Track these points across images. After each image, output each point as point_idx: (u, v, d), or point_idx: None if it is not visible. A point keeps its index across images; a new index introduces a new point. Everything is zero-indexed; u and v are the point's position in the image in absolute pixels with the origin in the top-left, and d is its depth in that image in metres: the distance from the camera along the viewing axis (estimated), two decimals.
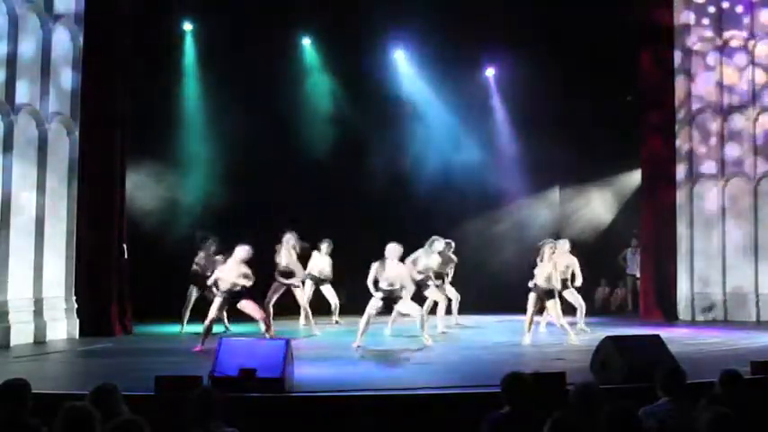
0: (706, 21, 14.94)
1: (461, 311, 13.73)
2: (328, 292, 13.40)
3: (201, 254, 12.75)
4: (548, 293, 11.01)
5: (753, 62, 14.57)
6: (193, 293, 12.72)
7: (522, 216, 17.50)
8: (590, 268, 13.08)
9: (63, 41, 11.74)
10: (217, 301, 10.60)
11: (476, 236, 16.17)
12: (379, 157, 16.06)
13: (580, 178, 17.55)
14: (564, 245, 12.33)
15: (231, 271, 10.53)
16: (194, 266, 12.74)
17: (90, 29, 12.00)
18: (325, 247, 13.34)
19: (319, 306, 13.31)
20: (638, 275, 15.78)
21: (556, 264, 11.28)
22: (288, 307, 12.72)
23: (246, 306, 10.63)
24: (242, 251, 10.55)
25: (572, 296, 12.28)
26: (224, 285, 10.52)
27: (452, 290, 13.34)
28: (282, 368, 6.71)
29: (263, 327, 10.70)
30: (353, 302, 13.66)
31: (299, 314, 12.73)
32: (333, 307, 13.47)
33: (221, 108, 15.54)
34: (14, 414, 4.41)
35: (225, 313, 12.34)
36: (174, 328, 12.83)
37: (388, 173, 16.14)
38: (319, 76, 16.59)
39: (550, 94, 15.95)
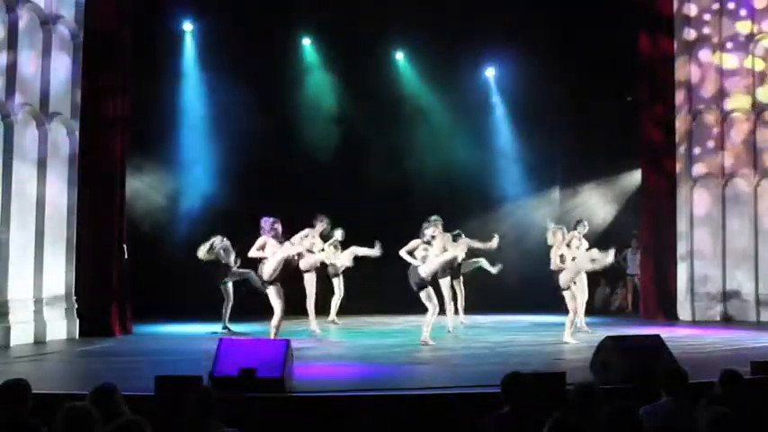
0: (707, 17, 14.94)
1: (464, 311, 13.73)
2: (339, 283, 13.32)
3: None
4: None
5: (753, 62, 14.57)
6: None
7: (523, 216, 17.50)
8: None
9: (63, 41, 11.74)
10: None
11: (476, 236, 16.15)
12: (379, 156, 16.07)
13: (580, 178, 17.55)
14: (583, 229, 12.22)
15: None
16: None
17: (90, 29, 12.00)
18: (339, 234, 13.23)
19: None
20: (639, 275, 15.78)
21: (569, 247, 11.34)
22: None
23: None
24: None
25: (580, 287, 12.04)
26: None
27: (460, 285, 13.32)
28: (282, 368, 6.71)
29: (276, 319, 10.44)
30: (353, 301, 13.70)
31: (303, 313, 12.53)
32: (337, 300, 13.34)
33: (221, 108, 15.55)
34: (14, 414, 4.41)
35: (228, 313, 12.39)
36: (173, 328, 12.84)
37: (388, 172, 16.14)
38: (319, 76, 16.60)
39: (550, 94, 15.97)
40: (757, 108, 14.49)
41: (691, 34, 15.01)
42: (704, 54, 14.98)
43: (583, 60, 15.57)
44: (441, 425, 6.43)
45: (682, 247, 14.83)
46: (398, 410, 6.56)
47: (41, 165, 11.24)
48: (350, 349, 10.38)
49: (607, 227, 17.64)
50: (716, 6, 14.83)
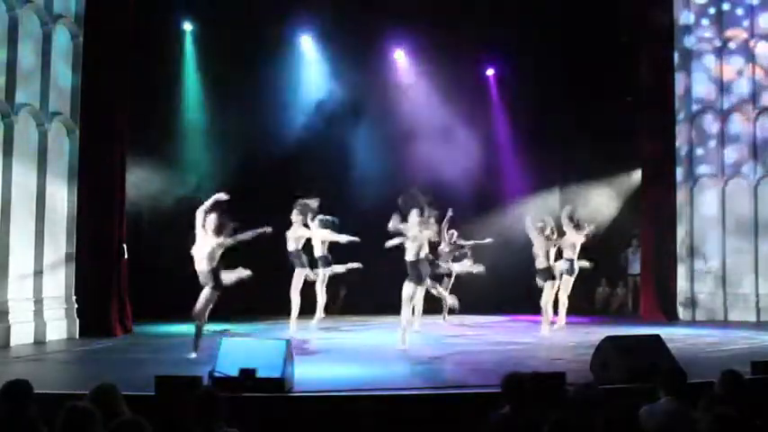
0: (706, 21, 14.96)
1: (463, 311, 13.73)
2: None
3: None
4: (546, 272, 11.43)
5: (752, 63, 14.58)
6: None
7: (523, 216, 17.47)
8: (590, 268, 13.08)
9: (63, 41, 11.74)
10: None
11: (475, 236, 16.16)
12: (378, 157, 16.05)
13: (580, 178, 17.53)
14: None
15: None
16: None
17: (90, 29, 12.00)
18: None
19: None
20: (639, 275, 15.79)
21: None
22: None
23: None
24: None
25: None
26: None
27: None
28: (282, 368, 6.71)
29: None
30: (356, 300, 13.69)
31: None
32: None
33: (221, 108, 15.54)
34: (16, 414, 4.41)
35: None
36: (173, 328, 12.83)
37: (388, 173, 16.12)
38: (319, 76, 16.58)
39: (550, 94, 15.96)
40: (757, 108, 14.50)
41: (690, 38, 15.02)
42: (704, 55, 14.99)
43: (583, 61, 15.57)
44: (441, 425, 6.43)
45: (682, 247, 14.84)
46: (398, 410, 6.56)
47: (41, 165, 11.24)
48: (350, 349, 10.37)
49: (607, 227, 17.62)
50: (714, 9, 14.83)
